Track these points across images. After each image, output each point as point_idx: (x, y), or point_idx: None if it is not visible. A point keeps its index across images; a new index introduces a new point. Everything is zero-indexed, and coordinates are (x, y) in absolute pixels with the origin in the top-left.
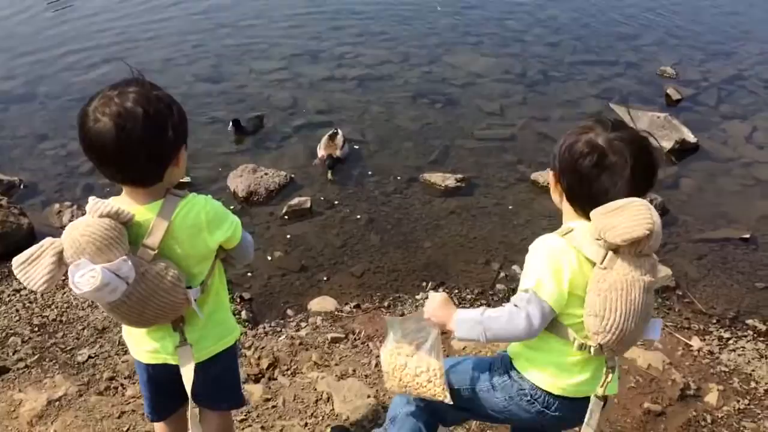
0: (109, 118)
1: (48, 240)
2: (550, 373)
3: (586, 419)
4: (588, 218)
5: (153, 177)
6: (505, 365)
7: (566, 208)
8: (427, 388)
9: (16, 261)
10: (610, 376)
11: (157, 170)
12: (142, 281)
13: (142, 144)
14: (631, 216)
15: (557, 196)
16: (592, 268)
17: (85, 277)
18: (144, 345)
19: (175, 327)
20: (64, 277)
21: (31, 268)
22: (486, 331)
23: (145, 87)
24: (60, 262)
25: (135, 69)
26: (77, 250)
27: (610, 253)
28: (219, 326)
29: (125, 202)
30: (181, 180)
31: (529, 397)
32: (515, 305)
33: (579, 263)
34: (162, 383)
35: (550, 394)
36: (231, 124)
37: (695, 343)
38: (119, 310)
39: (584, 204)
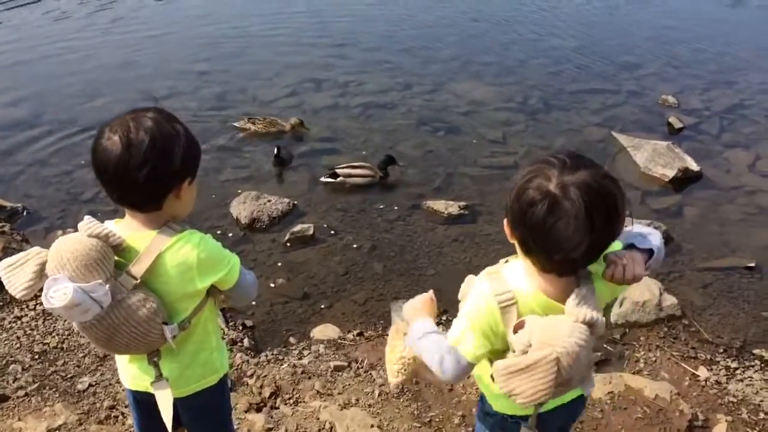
0: (119, 137)
1: (35, 249)
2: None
3: None
4: (544, 271)
5: (150, 202)
6: (481, 412)
7: (521, 256)
8: (394, 368)
9: (3, 264)
10: (533, 416)
11: (155, 196)
12: (116, 308)
13: (143, 167)
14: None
15: (509, 236)
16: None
17: (59, 293)
18: (127, 370)
19: (149, 360)
20: None
21: (14, 274)
22: (418, 354)
23: (163, 115)
24: (42, 272)
25: (158, 99)
26: (58, 264)
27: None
28: (202, 366)
29: (125, 225)
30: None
31: (508, 422)
32: (441, 351)
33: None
34: (148, 408)
35: (521, 417)
36: (276, 150)
37: (702, 373)
38: (89, 332)
39: (542, 260)
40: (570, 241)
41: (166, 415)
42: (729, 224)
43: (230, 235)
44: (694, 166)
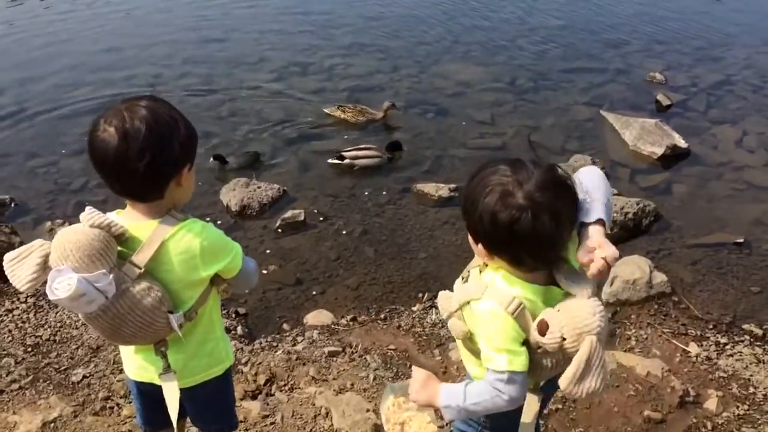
0: (115, 129)
1: (38, 241)
2: None
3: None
4: (530, 271)
5: (152, 192)
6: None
7: (499, 264)
8: None
9: (7, 257)
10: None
11: (156, 185)
12: (121, 298)
13: (142, 157)
14: (597, 375)
15: (493, 262)
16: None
17: (63, 284)
18: (132, 361)
19: (156, 351)
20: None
21: (18, 266)
22: (472, 414)
23: (157, 103)
24: (45, 264)
25: (152, 88)
26: (62, 256)
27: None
28: (208, 356)
29: (127, 216)
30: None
31: (507, 416)
32: (495, 388)
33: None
34: (152, 399)
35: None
36: (212, 159)
37: (693, 349)
38: (96, 323)
39: (534, 263)
40: (557, 235)
41: (172, 409)
42: (717, 200)
43: (219, 222)
44: (682, 143)
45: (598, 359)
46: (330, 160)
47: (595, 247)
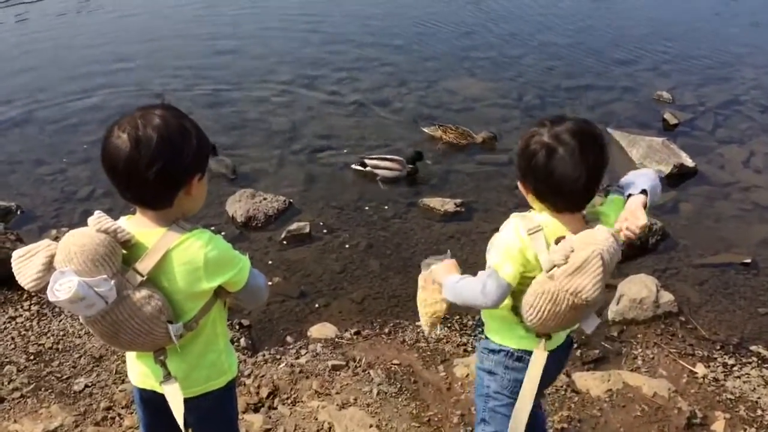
0: (128, 135)
1: (45, 242)
2: (517, 335)
3: (529, 369)
4: (558, 211)
5: (161, 200)
6: (484, 351)
7: (538, 207)
8: (427, 319)
9: (15, 254)
10: (543, 341)
11: (166, 194)
12: (120, 304)
13: (152, 164)
14: (588, 276)
15: (530, 200)
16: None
17: (64, 286)
18: (136, 367)
19: (155, 359)
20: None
21: (24, 265)
22: (456, 296)
23: (171, 112)
24: (50, 265)
25: (166, 98)
26: (66, 258)
27: (556, 268)
28: (209, 368)
29: (136, 222)
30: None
31: (513, 356)
32: (480, 280)
33: (534, 260)
34: (154, 407)
35: (524, 350)
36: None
37: (700, 370)
38: (95, 327)
39: (555, 199)
40: (571, 176)
41: (178, 413)
42: (724, 220)
43: (224, 233)
44: (689, 162)
45: (594, 267)
46: (353, 166)
47: (627, 217)
